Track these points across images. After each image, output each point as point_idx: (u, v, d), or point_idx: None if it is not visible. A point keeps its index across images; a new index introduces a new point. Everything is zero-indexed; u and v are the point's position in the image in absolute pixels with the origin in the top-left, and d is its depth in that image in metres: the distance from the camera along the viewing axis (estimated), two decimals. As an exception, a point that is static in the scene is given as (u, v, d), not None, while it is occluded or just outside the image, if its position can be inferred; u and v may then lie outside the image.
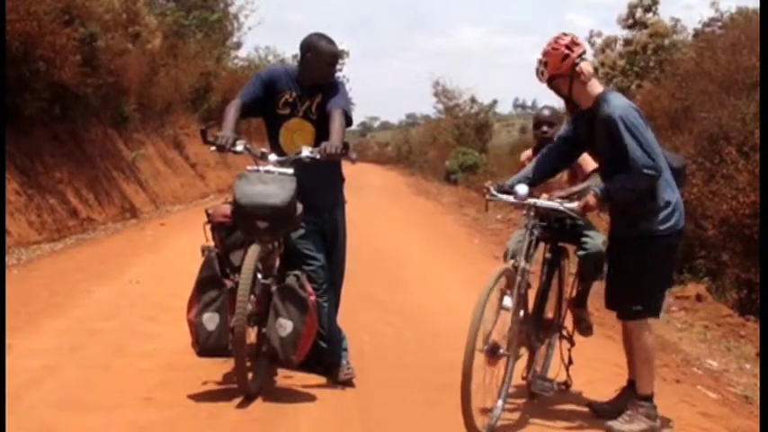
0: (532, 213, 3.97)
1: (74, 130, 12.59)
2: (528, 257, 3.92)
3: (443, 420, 3.95)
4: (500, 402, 3.92)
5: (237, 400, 4.08)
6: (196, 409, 3.98)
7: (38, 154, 10.89)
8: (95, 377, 4.45)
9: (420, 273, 8.50)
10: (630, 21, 18.80)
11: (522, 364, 4.35)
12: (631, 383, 4.23)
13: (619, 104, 3.96)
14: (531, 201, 3.97)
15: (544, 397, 4.31)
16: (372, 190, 21.86)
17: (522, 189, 3.98)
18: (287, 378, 4.50)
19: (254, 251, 4.07)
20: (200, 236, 4.44)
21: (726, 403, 5.42)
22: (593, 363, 5.48)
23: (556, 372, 4.46)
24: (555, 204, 3.97)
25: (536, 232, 3.98)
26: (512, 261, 3.90)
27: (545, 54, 4.02)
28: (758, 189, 8.74)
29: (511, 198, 4.03)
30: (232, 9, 28.40)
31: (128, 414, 3.88)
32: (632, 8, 18.81)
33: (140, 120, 16.38)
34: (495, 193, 4.10)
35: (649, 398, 4.12)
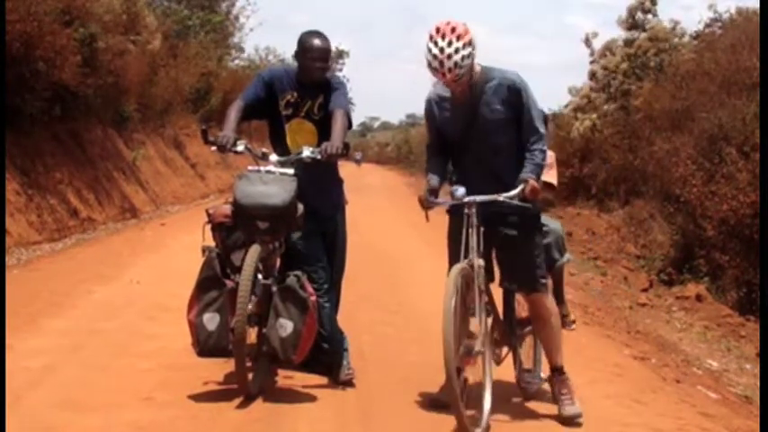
0: (474, 210, 3.91)
1: (74, 130, 12.59)
2: (480, 254, 3.92)
3: (443, 420, 3.95)
4: (487, 403, 3.89)
5: (238, 401, 4.07)
6: (196, 409, 3.97)
7: (38, 154, 10.89)
8: (95, 377, 4.45)
9: (420, 273, 8.49)
10: (630, 21, 18.78)
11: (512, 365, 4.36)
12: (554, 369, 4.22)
13: (514, 71, 4.04)
14: (471, 198, 3.92)
15: (538, 396, 4.30)
16: (372, 190, 21.85)
17: (459, 190, 3.94)
18: (287, 378, 4.50)
19: (254, 251, 4.07)
20: (200, 236, 4.44)
21: (726, 403, 5.42)
22: (593, 363, 5.49)
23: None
24: (494, 197, 3.91)
25: (482, 228, 3.93)
26: (465, 260, 3.87)
27: (465, 41, 3.81)
28: (758, 189, 8.75)
29: (449, 200, 4.02)
30: (234, 10, 28.42)
31: (128, 414, 3.88)
32: (632, 10, 18.80)
33: (140, 120, 16.37)
34: (433, 200, 4.09)
35: (562, 368, 4.19)
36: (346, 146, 4.27)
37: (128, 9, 15.61)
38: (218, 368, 4.42)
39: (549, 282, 4.39)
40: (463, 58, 3.81)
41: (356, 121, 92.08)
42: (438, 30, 3.83)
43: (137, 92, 15.68)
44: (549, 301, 4.21)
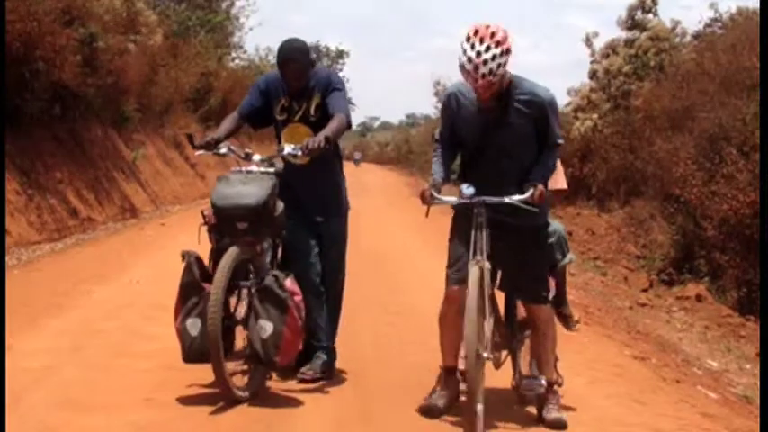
0: (482, 211, 3.80)
1: (74, 130, 12.59)
2: (488, 257, 3.79)
3: (443, 421, 3.95)
4: (479, 409, 3.75)
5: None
6: (196, 409, 3.97)
7: (38, 154, 10.89)
8: (95, 377, 4.45)
9: (420, 273, 8.48)
10: (630, 22, 18.79)
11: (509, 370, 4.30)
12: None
13: (544, 87, 3.95)
14: (480, 198, 3.80)
15: (535, 401, 4.23)
16: (372, 190, 21.86)
17: (468, 189, 3.81)
18: (286, 378, 4.49)
19: (229, 255, 3.99)
20: (198, 237, 4.43)
21: (726, 403, 5.42)
22: (593, 363, 5.49)
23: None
24: (504, 199, 3.80)
25: (488, 231, 3.80)
26: (473, 261, 3.76)
27: (504, 49, 3.67)
28: (758, 189, 8.75)
29: (456, 199, 3.87)
30: (233, 10, 28.43)
31: (128, 414, 3.87)
32: (632, 10, 18.80)
33: (140, 120, 16.38)
34: (437, 196, 3.92)
35: (553, 383, 4.14)
36: (327, 140, 4.18)
37: (128, 9, 15.62)
38: (218, 368, 4.41)
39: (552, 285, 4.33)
40: (499, 65, 3.68)
41: (356, 120, 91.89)
42: (477, 32, 3.69)
43: (137, 92, 15.69)
44: (548, 313, 4.13)
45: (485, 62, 3.65)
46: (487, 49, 3.65)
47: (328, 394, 4.34)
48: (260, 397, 4.17)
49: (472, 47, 3.67)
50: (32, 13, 10.05)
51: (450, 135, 4.11)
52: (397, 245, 10.91)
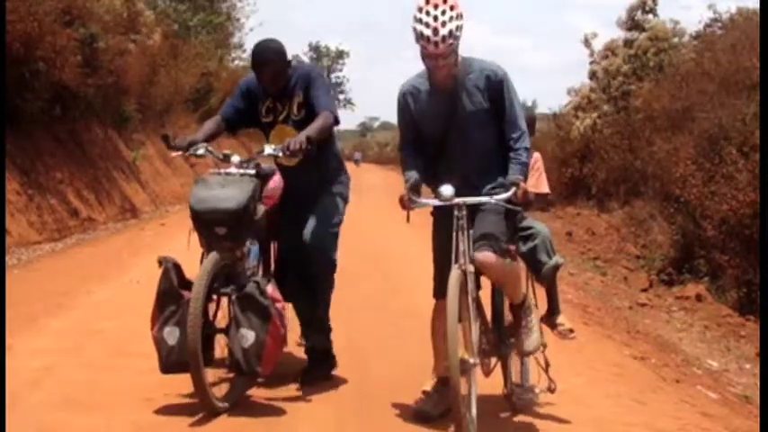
0: (464, 213, 3.67)
1: (74, 130, 12.60)
2: (471, 259, 3.68)
3: (442, 421, 3.95)
4: (473, 416, 3.66)
5: (237, 400, 4.07)
6: (196, 409, 3.96)
7: (38, 154, 10.90)
8: (95, 377, 4.45)
9: (422, 273, 8.47)
10: (630, 23, 18.79)
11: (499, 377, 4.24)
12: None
13: (496, 63, 3.86)
14: (460, 200, 3.66)
15: (528, 410, 4.19)
16: (374, 189, 21.84)
17: (447, 190, 3.66)
18: (286, 379, 4.49)
19: (210, 260, 3.89)
20: (197, 238, 4.42)
21: (726, 403, 5.42)
22: (593, 363, 5.49)
23: (537, 378, 4.29)
24: (485, 199, 3.70)
25: (470, 232, 3.66)
26: (456, 265, 3.62)
27: (458, 12, 3.62)
28: (758, 189, 8.74)
29: (436, 201, 3.73)
30: (234, 11, 28.44)
31: (128, 414, 3.88)
32: (632, 10, 18.81)
33: (140, 120, 16.39)
34: (416, 200, 3.80)
35: (525, 300, 4.05)
36: (309, 140, 4.05)
37: (128, 9, 15.63)
38: (217, 369, 4.41)
39: (522, 266, 4.18)
40: (458, 27, 3.63)
41: (356, 120, 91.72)
42: (428, 1, 3.66)
43: (137, 92, 15.71)
44: (502, 262, 3.85)
45: (443, 24, 3.62)
46: (443, 12, 3.64)
47: (328, 393, 4.34)
48: (259, 397, 4.17)
49: (427, 14, 3.64)
50: (32, 14, 10.06)
51: (414, 136, 4.01)
52: (399, 244, 10.89)
